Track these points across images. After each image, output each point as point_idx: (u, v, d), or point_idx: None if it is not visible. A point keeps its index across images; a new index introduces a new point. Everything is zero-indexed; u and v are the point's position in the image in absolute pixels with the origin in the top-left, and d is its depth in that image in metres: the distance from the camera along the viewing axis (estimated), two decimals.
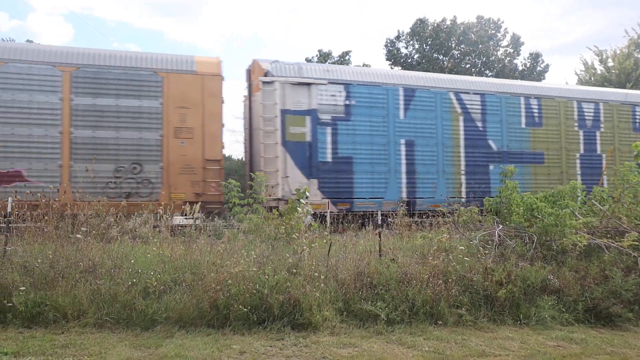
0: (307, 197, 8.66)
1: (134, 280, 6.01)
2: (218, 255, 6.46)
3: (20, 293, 5.74)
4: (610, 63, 29.89)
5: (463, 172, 14.27)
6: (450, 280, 6.50)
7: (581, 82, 30.86)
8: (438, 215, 9.58)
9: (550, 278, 6.83)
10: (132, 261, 6.53)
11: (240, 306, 5.70)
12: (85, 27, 74.17)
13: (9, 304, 5.67)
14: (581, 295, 6.72)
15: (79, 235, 6.77)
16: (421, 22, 38.21)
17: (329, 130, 13.14)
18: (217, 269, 6.10)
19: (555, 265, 7.23)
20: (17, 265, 6.22)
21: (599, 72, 30.36)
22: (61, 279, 6.00)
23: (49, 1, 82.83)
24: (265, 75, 13.05)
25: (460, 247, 7.40)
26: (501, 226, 8.31)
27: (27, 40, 34.95)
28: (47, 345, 5.05)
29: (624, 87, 25.74)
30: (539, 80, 36.31)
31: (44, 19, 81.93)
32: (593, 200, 9.39)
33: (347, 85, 13.40)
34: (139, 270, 6.21)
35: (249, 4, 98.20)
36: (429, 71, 32.88)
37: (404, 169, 13.70)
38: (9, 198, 7.57)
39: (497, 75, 36.27)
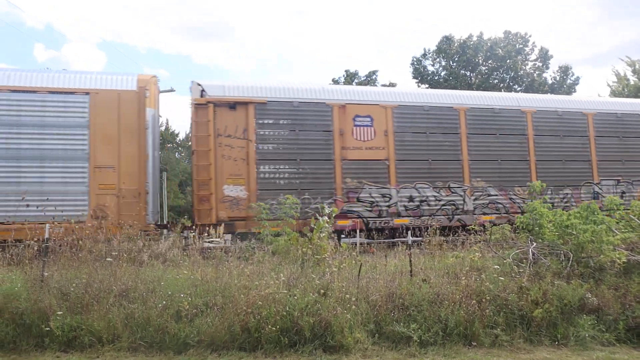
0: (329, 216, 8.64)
1: (165, 302, 6.06)
2: (247, 278, 6.48)
3: (58, 317, 5.87)
4: None
5: None
6: (484, 300, 6.36)
7: (614, 93, 30.18)
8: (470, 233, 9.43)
9: (588, 296, 6.62)
10: (162, 283, 6.60)
11: (271, 327, 5.68)
12: (117, 54, 76.72)
13: (47, 329, 5.80)
14: (622, 314, 6.49)
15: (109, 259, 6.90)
16: (447, 39, 38.19)
17: None
18: (247, 291, 6.12)
19: (593, 283, 7.00)
20: (54, 290, 6.37)
21: (632, 82, 29.67)
22: (96, 303, 6.12)
23: (81, 30, 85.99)
24: None
25: (495, 266, 7.24)
26: (535, 244, 8.11)
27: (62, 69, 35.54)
28: None
29: None
30: (570, 93, 35.68)
31: (77, 47, 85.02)
32: (631, 215, 9.10)
33: None
34: (170, 294, 6.28)
35: (278, 24, 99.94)
36: (457, 88, 32.68)
37: None
38: (47, 225, 7.77)
39: (526, 90, 35.72)
